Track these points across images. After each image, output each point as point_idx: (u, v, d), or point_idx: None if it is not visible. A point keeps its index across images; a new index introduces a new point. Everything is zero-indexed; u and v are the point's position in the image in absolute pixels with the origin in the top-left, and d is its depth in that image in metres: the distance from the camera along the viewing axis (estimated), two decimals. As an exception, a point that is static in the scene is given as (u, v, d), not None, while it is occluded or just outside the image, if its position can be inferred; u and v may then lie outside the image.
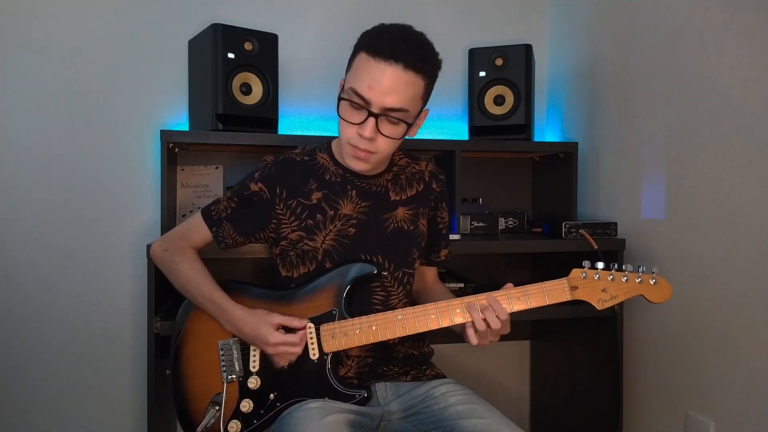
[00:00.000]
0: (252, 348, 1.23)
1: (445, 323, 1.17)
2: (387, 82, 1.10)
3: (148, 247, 1.47)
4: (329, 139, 1.35)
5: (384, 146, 1.16)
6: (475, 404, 1.17)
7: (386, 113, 1.12)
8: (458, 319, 1.16)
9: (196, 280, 1.23)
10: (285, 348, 1.17)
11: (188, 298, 1.27)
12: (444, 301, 1.18)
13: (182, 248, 1.28)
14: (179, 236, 1.31)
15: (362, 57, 1.12)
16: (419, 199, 1.33)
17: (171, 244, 1.30)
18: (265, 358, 1.22)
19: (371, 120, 1.12)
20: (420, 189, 1.34)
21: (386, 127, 1.14)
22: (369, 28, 1.18)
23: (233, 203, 1.29)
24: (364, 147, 1.15)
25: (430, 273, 1.45)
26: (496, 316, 1.12)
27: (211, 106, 1.65)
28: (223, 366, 1.22)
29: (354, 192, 1.28)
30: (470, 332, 1.14)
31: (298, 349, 1.18)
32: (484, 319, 1.12)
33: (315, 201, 1.26)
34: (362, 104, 1.12)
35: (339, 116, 1.16)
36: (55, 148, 1.84)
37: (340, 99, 1.16)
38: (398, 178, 1.32)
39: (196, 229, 1.30)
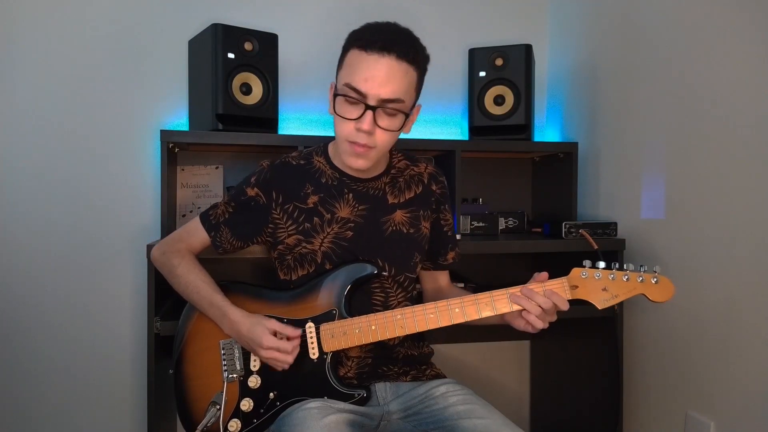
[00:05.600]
0: None
1: (444, 323, 1.17)
2: (382, 73, 1.11)
3: (149, 246, 1.47)
4: (326, 141, 1.34)
5: (382, 140, 1.17)
6: (475, 404, 1.17)
7: (383, 105, 1.13)
8: (469, 316, 1.16)
9: (194, 283, 1.24)
10: (276, 354, 1.16)
11: (188, 302, 1.28)
12: (443, 300, 1.17)
13: (179, 251, 1.29)
14: (177, 239, 1.32)
15: (354, 52, 1.14)
16: (418, 201, 1.32)
17: (168, 248, 1.31)
18: None
19: (369, 113, 1.13)
20: (419, 191, 1.33)
21: (384, 120, 1.15)
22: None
23: (231, 208, 1.30)
24: (363, 142, 1.15)
25: (443, 277, 1.43)
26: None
27: (211, 106, 1.65)
28: (225, 365, 1.22)
29: (351, 195, 1.27)
30: (519, 322, 1.18)
31: (290, 358, 1.17)
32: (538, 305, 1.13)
33: (311, 205, 1.26)
34: (358, 98, 1.13)
35: (336, 114, 1.17)
36: (55, 147, 1.84)
37: (335, 96, 1.17)
38: (396, 180, 1.32)
39: (194, 233, 1.31)
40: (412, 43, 1.15)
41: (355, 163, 1.19)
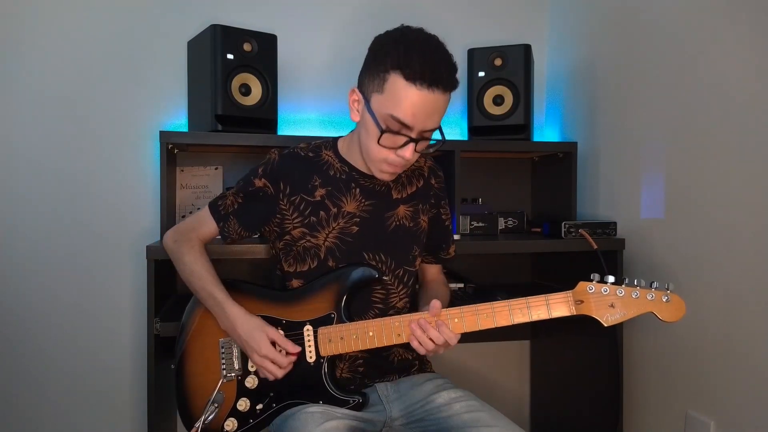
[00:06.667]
0: None
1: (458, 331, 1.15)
2: (431, 109, 1.10)
3: (148, 248, 1.47)
4: (334, 139, 1.35)
5: (414, 159, 1.19)
6: (480, 412, 1.17)
7: (424, 134, 1.14)
8: (468, 326, 1.14)
9: (199, 272, 1.25)
10: (269, 365, 1.17)
11: (191, 289, 1.28)
12: (443, 310, 1.16)
13: (190, 240, 1.31)
14: (189, 228, 1.34)
15: (399, 81, 1.08)
16: (419, 195, 1.34)
17: (180, 236, 1.33)
18: None
19: (412, 144, 1.13)
20: (420, 185, 1.35)
21: (420, 145, 1.16)
22: (382, 32, 1.15)
23: (239, 198, 1.31)
24: (402, 165, 1.17)
25: (434, 270, 1.45)
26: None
27: (210, 107, 1.65)
28: (223, 364, 1.22)
29: (358, 190, 1.28)
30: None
31: (281, 372, 1.18)
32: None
33: (319, 198, 1.27)
34: (401, 129, 1.12)
35: (378, 143, 1.14)
36: (55, 149, 1.84)
37: (382, 131, 1.12)
38: (399, 176, 1.32)
39: (204, 223, 1.33)
40: (453, 70, 1.13)
41: (387, 178, 1.22)
